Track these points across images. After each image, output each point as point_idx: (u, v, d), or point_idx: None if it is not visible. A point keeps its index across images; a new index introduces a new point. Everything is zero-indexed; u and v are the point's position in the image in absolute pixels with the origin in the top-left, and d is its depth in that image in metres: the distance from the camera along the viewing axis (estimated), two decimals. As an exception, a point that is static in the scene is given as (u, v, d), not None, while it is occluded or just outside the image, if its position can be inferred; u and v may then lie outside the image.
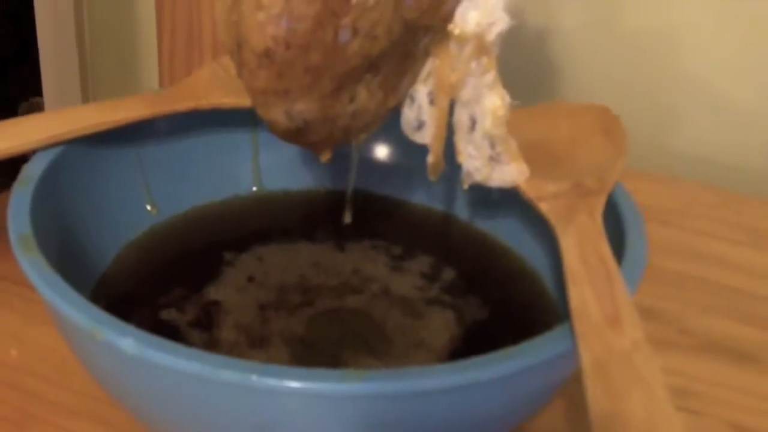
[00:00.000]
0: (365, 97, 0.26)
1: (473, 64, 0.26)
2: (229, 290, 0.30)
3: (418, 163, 0.29)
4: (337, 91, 0.24)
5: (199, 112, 0.32)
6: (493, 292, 0.31)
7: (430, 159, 0.28)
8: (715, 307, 0.36)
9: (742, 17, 0.46)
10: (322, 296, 0.31)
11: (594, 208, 0.26)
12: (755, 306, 0.37)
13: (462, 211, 0.35)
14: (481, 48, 0.26)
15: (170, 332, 0.28)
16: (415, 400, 0.21)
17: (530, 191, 0.28)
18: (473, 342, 0.29)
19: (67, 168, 0.30)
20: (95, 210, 0.31)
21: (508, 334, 0.23)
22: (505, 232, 0.33)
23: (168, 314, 0.29)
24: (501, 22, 0.25)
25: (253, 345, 0.28)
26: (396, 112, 0.28)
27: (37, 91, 0.67)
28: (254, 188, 0.36)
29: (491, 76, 0.26)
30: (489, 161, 0.27)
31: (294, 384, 0.20)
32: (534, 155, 0.28)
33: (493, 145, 0.27)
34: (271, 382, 0.20)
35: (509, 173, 0.28)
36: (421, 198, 0.36)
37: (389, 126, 0.28)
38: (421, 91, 0.27)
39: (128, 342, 0.20)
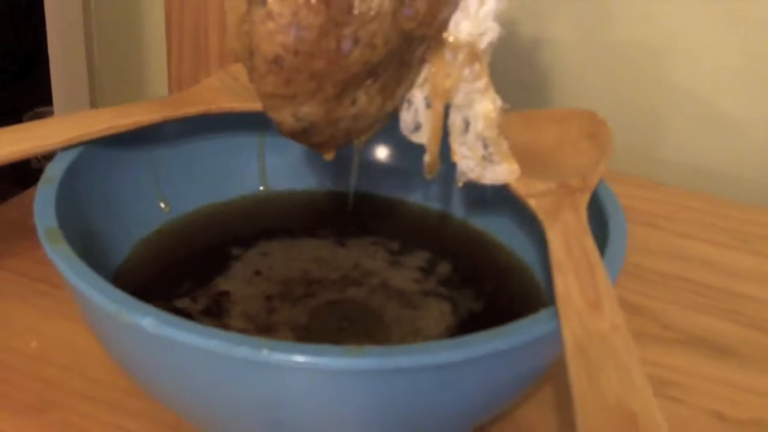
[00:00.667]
0: (365, 101, 0.26)
1: (466, 71, 0.27)
2: (237, 282, 0.31)
3: (415, 165, 0.30)
4: (340, 95, 0.25)
5: (209, 117, 0.33)
6: (486, 285, 0.32)
7: (427, 159, 0.29)
8: (698, 305, 0.37)
9: (726, 29, 0.46)
10: (324, 288, 0.32)
11: (578, 205, 0.27)
12: (737, 304, 0.37)
13: (457, 210, 0.36)
14: (473, 56, 0.26)
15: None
16: (412, 375, 0.22)
17: (520, 189, 0.29)
18: (467, 331, 0.29)
19: (86, 168, 0.30)
20: (111, 208, 0.32)
21: (499, 323, 0.24)
22: (498, 229, 0.34)
23: (181, 303, 0.30)
24: (491, 32, 0.26)
25: (261, 332, 0.29)
26: (395, 117, 0.29)
27: (41, 101, 0.67)
28: (260, 188, 0.37)
29: (483, 81, 0.27)
30: (482, 161, 0.28)
31: (300, 358, 0.21)
32: (524, 156, 0.29)
33: (485, 146, 0.28)
34: (280, 356, 0.21)
35: (501, 172, 0.28)
36: (418, 198, 0.36)
37: (388, 130, 0.29)
38: (418, 95, 0.28)
39: (150, 321, 0.22)
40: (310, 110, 0.25)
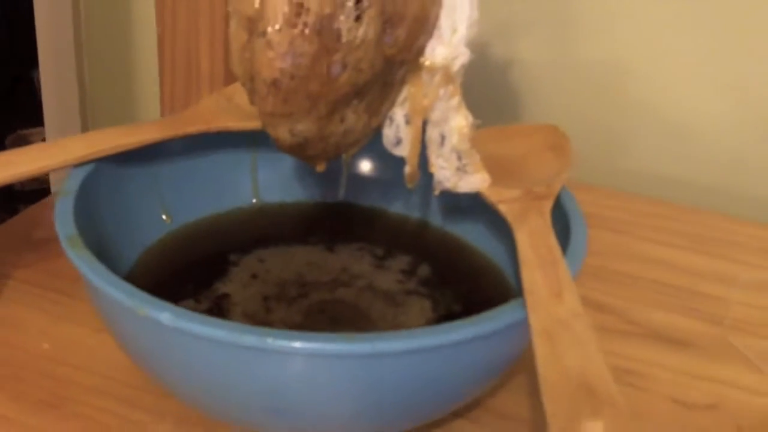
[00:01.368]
0: (353, 118, 0.28)
1: (441, 91, 0.29)
2: (236, 285, 0.33)
3: (396, 176, 0.32)
4: (331, 113, 0.27)
5: (207, 135, 0.35)
6: (462, 285, 0.34)
7: (407, 169, 0.31)
8: (659, 302, 0.38)
9: (684, 50, 0.47)
10: (316, 290, 0.33)
11: (543, 210, 0.30)
12: (696, 301, 0.38)
13: (435, 217, 0.38)
14: (448, 77, 0.28)
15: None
16: (397, 358, 0.24)
17: (491, 196, 0.31)
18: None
19: (96, 183, 0.32)
20: (119, 219, 0.33)
21: (474, 316, 0.26)
22: (473, 235, 0.36)
23: (186, 305, 0.31)
24: (463, 56, 0.28)
25: (260, 329, 0.31)
26: (378, 133, 0.30)
27: (24, 123, 0.67)
28: (254, 200, 0.38)
29: (456, 100, 0.29)
30: (456, 171, 0.30)
31: (299, 344, 0.23)
32: (494, 167, 0.31)
33: (460, 158, 0.30)
34: (282, 343, 0.23)
35: (474, 181, 0.30)
36: (399, 207, 0.38)
37: (371, 145, 0.31)
38: (399, 113, 0.30)
39: (166, 315, 0.24)
40: (304, 127, 0.27)
